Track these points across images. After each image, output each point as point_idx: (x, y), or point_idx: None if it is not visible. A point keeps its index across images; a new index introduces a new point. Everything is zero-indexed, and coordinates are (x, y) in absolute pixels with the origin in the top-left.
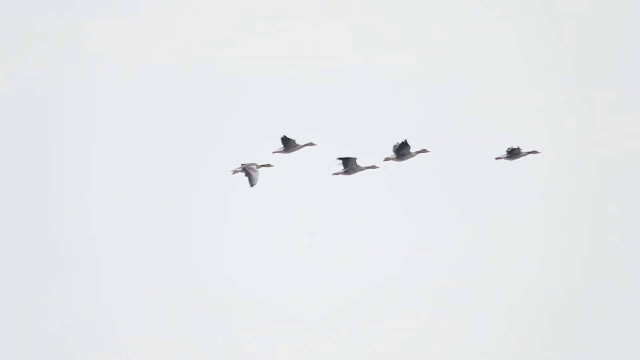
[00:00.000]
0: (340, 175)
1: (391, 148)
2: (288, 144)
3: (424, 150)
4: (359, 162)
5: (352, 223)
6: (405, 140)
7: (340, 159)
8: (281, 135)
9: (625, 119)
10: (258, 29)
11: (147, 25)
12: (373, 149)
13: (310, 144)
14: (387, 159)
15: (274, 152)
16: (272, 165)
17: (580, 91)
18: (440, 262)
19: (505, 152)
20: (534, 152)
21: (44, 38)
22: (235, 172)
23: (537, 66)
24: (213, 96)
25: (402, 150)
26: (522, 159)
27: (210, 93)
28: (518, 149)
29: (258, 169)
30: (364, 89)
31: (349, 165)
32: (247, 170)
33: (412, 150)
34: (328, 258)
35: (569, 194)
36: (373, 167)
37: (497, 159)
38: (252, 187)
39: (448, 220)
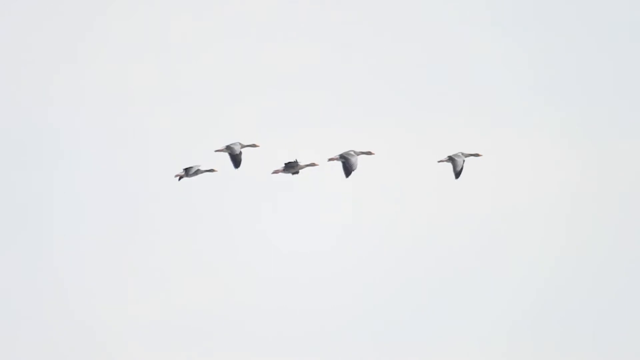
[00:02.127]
0: (280, 174)
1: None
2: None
3: (369, 153)
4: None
5: (345, 223)
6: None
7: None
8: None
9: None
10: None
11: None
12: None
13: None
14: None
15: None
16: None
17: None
18: (436, 264)
19: (446, 157)
20: (476, 154)
21: None
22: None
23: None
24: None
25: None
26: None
27: None
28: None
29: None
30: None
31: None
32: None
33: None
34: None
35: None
36: (313, 164)
37: (439, 162)
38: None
39: (443, 219)
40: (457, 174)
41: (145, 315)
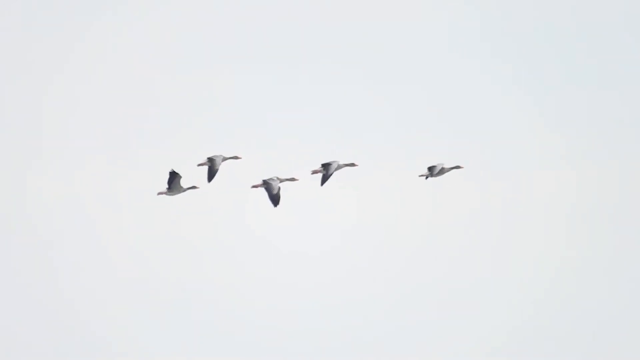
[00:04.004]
0: (258, 189)
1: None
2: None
3: (352, 164)
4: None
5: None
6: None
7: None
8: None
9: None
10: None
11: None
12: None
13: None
14: (314, 172)
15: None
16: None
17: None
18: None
19: (427, 170)
20: (457, 167)
21: None
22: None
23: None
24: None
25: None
26: (445, 175)
27: None
28: (438, 166)
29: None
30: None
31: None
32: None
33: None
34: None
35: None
36: (292, 179)
37: (420, 176)
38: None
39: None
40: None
41: (145, 317)
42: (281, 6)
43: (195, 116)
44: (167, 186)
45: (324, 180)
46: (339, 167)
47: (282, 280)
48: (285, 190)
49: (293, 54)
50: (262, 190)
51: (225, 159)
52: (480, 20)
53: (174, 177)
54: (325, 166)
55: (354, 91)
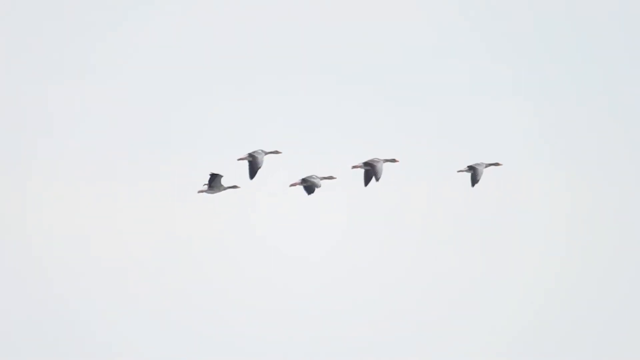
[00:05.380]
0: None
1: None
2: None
3: (393, 160)
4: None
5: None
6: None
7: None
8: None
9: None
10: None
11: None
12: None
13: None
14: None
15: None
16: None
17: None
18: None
19: (466, 167)
20: (497, 164)
21: None
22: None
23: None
24: None
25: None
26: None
27: None
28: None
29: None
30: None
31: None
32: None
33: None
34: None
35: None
36: (331, 177)
37: (459, 171)
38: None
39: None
40: (475, 182)
41: (145, 320)
42: (281, 6)
43: (195, 115)
44: (207, 185)
45: (369, 177)
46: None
47: (281, 281)
48: (285, 191)
49: (293, 54)
50: (300, 188)
51: (266, 153)
52: (480, 21)
53: (214, 177)
54: (369, 164)
55: (354, 91)
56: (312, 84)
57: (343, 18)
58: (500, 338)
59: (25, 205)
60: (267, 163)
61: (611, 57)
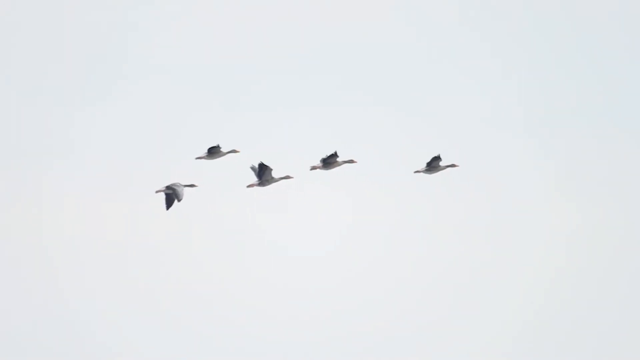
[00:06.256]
0: (255, 187)
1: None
2: (262, 173)
3: (351, 161)
4: (273, 174)
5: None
6: (335, 152)
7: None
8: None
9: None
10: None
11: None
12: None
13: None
14: (313, 168)
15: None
16: (196, 185)
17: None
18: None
19: (425, 165)
20: (453, 165)
21: None
22: (158, 191)
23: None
24: None
25: (329, 159)
26: (440, 172)
27: None
28: (437, 160)
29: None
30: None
31: (263, 176)
32: (173, 188)
33: (339, 159)
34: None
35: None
36: (287, 177)
37: (416, 172)
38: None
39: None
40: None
41: (146, 320)
42: (281, 6)
43: (193, 115)
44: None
45: (325, 163)
46: (339, 163)
47: (282, 281)
48: (285, 191)
49: (293, 54)
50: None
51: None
52: (480, 21)
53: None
54: (325, 161)
55: (353, 91)
56: (312, 84)
57: (343, 18)
58: (501, 338)
59: (25, 205)
60: (270, 162)
61: (611, 57)
